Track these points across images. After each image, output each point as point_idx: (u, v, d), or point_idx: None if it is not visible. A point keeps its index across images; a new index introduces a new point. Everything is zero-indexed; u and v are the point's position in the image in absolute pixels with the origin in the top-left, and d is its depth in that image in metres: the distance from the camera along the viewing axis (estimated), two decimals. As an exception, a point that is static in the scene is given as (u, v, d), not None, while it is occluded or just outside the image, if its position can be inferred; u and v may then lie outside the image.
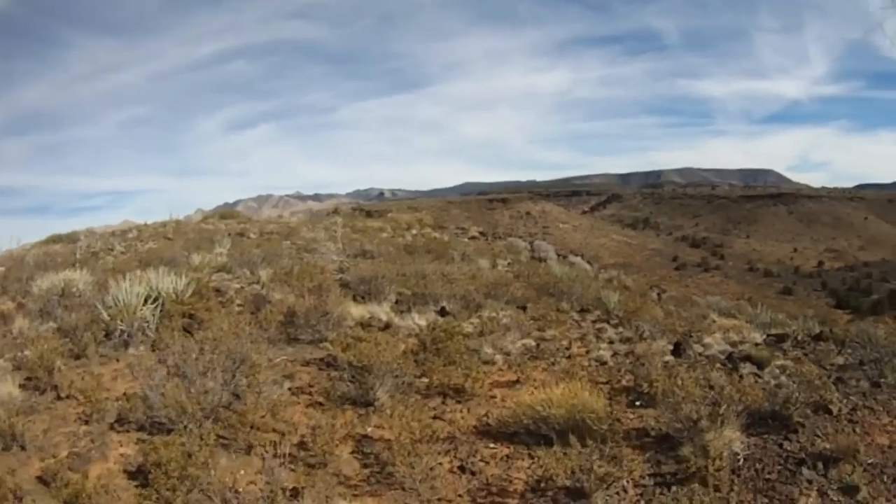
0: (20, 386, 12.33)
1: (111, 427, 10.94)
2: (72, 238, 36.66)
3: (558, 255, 39.85)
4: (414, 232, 40.70)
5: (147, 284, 17.22)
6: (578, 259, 40.75)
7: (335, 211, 57.90)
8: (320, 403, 11.93)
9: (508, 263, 30.42)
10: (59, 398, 12.10)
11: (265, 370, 12.67)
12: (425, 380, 12.81)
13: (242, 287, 20.73)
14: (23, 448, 10.16)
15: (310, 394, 12.53)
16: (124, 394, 11.98)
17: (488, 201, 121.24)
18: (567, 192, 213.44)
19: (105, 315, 15.63)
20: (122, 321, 15.26)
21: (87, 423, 11.04)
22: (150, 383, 11.22)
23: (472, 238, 42.56)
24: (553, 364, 14.24)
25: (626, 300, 21.14)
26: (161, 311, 16.27)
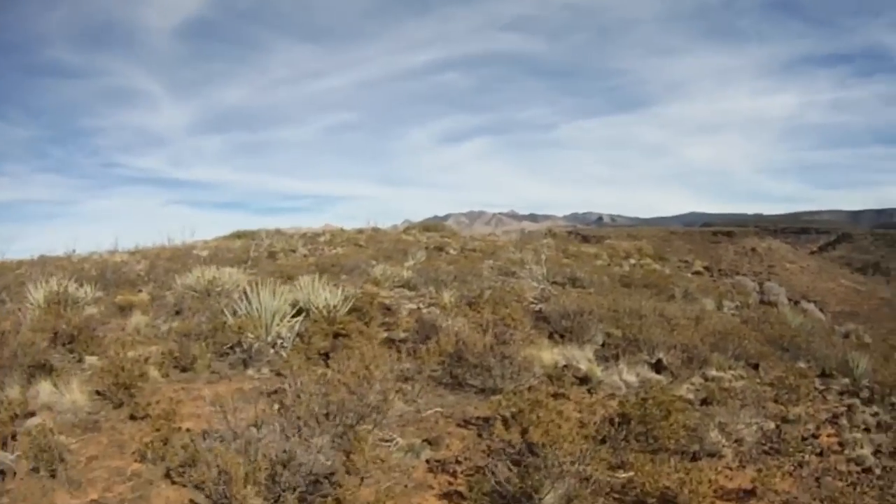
0: (96, 394, 10.41)
1: (167, 475, 7.98)
2: (255, 236, 35.04)
3: (789, 300, 34.94)
4: (632, 262, 36.75)
5: (298, 293, 14.59)
6: (811, 306, 35.74)
7: (549, 232, 54.36)
8: (459, 495, 8.06)
9: (736, 307, 26.10)
10: (132, 418, 9.66)
11: (406, 427, 9.61)
12: (622, 474, 8.62)
13: (419, 308, 17.61)
14: (52, 475, 7.93)
15: (453, 474, 8.54)
16: (206, 431, 8.85)
17: (712, 234, 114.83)
18: (795, 228, 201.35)
19: (231, 323, 12.80)
20: (251, 334, 12.37)
21: (142, 460, 8.35)
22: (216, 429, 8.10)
23: (696, 273, 38.18)
24: (801, 465, 9.86)
25: (876, 366, 16.72)
26: (306, 327, 13.52)
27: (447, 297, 18.12)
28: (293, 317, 13.61)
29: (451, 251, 33.10)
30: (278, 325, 13.03)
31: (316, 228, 42.12)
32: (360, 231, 39.62)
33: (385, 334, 14.70)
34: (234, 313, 13.50)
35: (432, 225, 48.83)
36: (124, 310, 16.14)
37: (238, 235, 37.01)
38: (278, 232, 38.07)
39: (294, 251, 30.93)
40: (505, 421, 8.81)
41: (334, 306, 14.45)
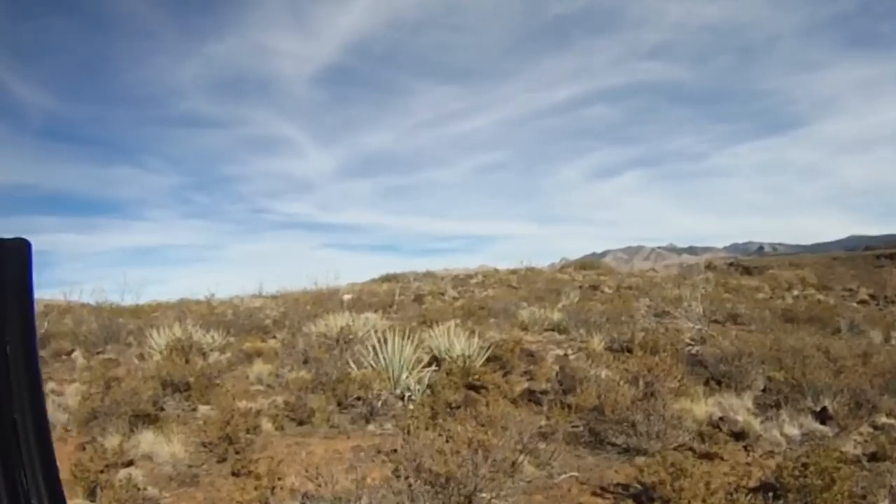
0: (202, 446, 10.00)
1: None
2: (403, 279, 34.55)
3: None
4: (795, 293, 34.58)
5: (436, 340, 13.91)
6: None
7: (709, 266, 52.08)
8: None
9: (904, 337, 23.94)
10: (233, 474, 9.07)
11: (533, 495, 8.39)
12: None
13: (566, 354, 16.47)
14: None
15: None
16: (306, 496, 8.03)
17: (875, 257, 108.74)
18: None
19: (356, 374, 12.13)
20: (377, 386, 11.61)
21: (232, 525, 7.71)
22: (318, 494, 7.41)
23: (861, 302, 35.47)
24: None
25: None
26: (441, 378, 12.71)
27: (597, 341, 17.04)
28: (427, 366, 12.86)
29: (607, 290, 31.80)
30: (407, 376, 12.26)
31: (470, 269, 41.45)
32: (514, 271, 38.72)
33: (525, 384, 13.61)
34: (362, 364, 12.86)
35: (589, 262, 47.48)
36: (251, 357, 15.75)
37: (386, 279, 36.73)
38: (429, 274, 37.65)
39: (442, 294, 30.31)
40: (640, 496, 7.68)
41: (468, 356, 13.52)
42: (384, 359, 12.44)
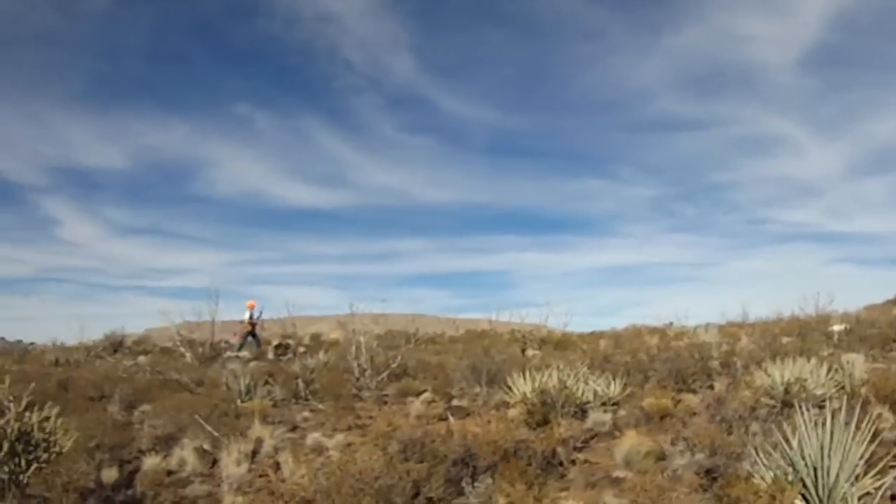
0: None
1: None
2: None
3: None
4: None
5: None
6: None
7: None
8: None
9: None
10: None
11: None
12: None
13: None
14: None
15: None
16: None
17: None
18: None
19: (757, 479, 7.42)
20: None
21: None
22: None
23: None
24: None
25: None
26: None
27: None
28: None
29: None
30: (850, 487, 7.11)
31: None
32: None
33: None
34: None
35: None
36: (651, 420, 11.29)
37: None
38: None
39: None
40: None
41: None
42: (810, 454, 7.34)
